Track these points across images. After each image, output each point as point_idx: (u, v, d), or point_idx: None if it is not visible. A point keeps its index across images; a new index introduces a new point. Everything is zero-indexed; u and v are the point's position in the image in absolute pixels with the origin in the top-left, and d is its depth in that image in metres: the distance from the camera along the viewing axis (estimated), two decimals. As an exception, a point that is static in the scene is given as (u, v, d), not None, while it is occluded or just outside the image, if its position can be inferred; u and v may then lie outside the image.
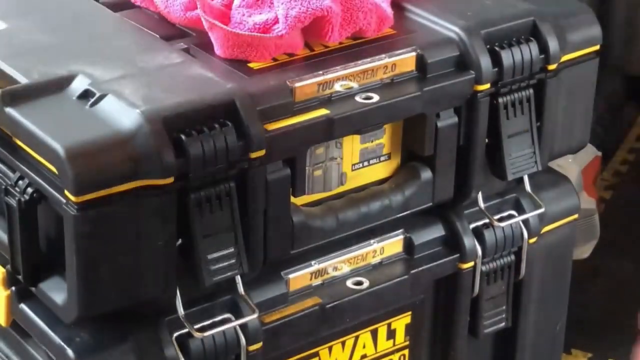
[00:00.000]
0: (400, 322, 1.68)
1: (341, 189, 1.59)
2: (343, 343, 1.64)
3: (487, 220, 1.71)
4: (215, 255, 1.42)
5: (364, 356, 1.66)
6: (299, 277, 1.58)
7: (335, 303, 1.58)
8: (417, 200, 1.63)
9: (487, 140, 1.66)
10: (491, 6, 1.68)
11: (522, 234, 1.72)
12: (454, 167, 1.65)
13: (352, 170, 1.60)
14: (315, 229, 1.55)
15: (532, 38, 1.65)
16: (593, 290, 2.89)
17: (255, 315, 1.50)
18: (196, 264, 1.41)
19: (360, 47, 1.59)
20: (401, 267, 1.65)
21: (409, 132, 1.63)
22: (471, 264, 1.69)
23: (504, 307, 1.75)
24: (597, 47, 1.74)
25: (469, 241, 1.68)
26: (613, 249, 2.95)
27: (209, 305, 1.49)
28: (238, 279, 1.47)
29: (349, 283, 1.61)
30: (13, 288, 1.49)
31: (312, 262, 1.58)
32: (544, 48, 1.65)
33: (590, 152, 2.85)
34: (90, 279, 1.38)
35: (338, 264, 1.61)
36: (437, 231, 1.68)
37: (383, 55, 1.56)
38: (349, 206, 1.58)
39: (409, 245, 1.66)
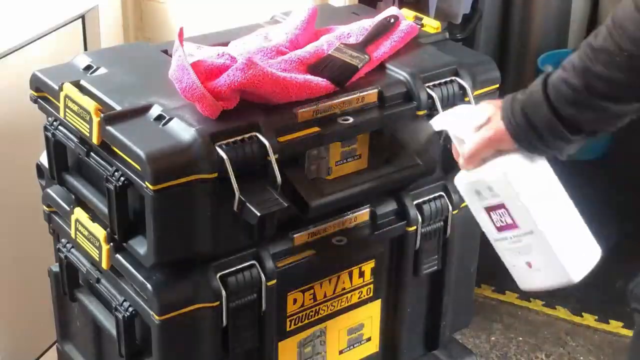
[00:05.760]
0: (368, 266, 1.68)
1: (328, 177, 1.59)
2: (329, 280, 1.63)
3: (425, 198, 1.70)
4: (261, 199, 1.41)
5: (344, 289, 1.66)
6: (301, 236, 1.57)
7: (324, 254, 1.58)
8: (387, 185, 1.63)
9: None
10: (428, 58, 1.67)
11: (448, 207, 1.72)
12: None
13: (336, 165, 1.60)
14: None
15: (454, 79, 1.65)
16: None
17: (271, 262, 1.51)
18: (249, 208, 1.39)
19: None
20: (368, 229, 1.65)
21: (373, 141, 1.62)
22: (414, 227, 1.68)
23: (436, 256, 1.74)
24: (497, 85, 1.74)
25: (413, 212, 1.67)
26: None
27: (241, 255, 1.49)
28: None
29: (334, 240, 1.60)
30: (111, 244, 1.49)
31: (310, 226, 1.58)
32: (462, 85, 1.65)
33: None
34: (162, 237, 1.40)
35: (327, 227, 1.60)
36: (392, 206, 1.67)
37: (356, 91, 1.56)
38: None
39: (373, 215, 1.65)
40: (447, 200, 1.72)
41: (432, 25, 1.80)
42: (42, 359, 2.23)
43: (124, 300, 1.51)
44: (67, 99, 1.49)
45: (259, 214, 1.37)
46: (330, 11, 1.93)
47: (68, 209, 1.59)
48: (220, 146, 1.38)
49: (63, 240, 1.66)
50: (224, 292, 1.45)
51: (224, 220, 1.42)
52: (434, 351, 1.86)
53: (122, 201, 1.43)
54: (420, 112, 1.60)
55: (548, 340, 2.60)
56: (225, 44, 1.67)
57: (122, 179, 1.41)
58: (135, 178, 1.38)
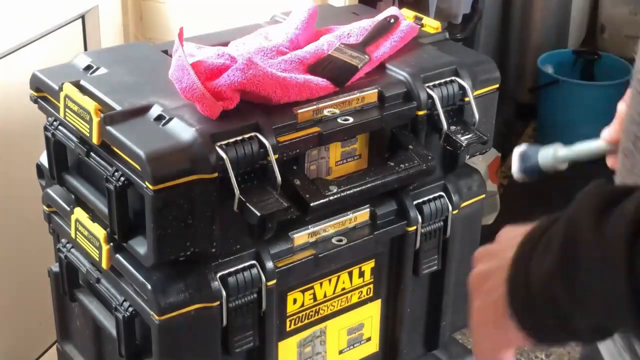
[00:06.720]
0: (367, 266, 1.68)
1: (328, 177, 1.59)
2: (329, 280, 1.63)
3: (425, 198, 1.70)
4: (261, 199, 1.40)
5: (344, 289, 1.66)
6: (300, 236, 1.57)
7: (324, 254, 1.58)
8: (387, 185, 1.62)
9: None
10: (427, 58, 1.67)
11: (448, 207, 1.72)
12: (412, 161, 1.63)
13: (336, 165, 1.60)
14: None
15: (454, 79, 1.65)
16: (495, 244, 2.89)
17: (271, 262, 1.51)
18: (249, 208, 1.39)
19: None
20: (368, 229, 1.64)
21: (373, 140, 1.62)
22: (414, 227, 1.68)
23: (436, 256, 1.74)
24: (497, 85, 1.74)
25: (413, 213, 1.67)
26: (508, 218, 2.95)
27: (241, 255, 1.49)
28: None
29: (334, 240, 1.60)
30: (111, 244, 1.49)
31: (309, 226, 1.58)
32: (462, 86, 1.65)
33: (493, 153, 2.87)
34: (162, 237, 1.39)
35: (327, 228, 1.60)
36: (392, 206, 1.67)
37: (356, 91, 1.56)
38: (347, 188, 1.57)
39: (373, 215, 1.65)
40: (447, 200, 1.72)
41: (432, 25, 1.80)
42: (42, 359, 2.23)
43: (124, 300, 1.51)
44: (67, 99, 1.49)
45: (259, 214, 1.37)
46: (330, 11, 1.93)
47: (68, 209, 1.59)
48: (220, 146, 1.38)
49: (63, 240, 1.66)
50: (223, 292, 1.45)
51: (224, 220, 1.42)
52: (434, 351, 1.87)
53: (122, 201, 1.43)
54: (420, 112, 1.60)
55: (548, 340, 2.59)
56: (225, 44, 1.67)
57: (122, 179, 1.41)
58: (135, 178, 1.38)
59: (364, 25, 1.69)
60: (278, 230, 1.48)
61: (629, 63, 3.45)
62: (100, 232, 1.49)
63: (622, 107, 1.11)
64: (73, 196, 1.60)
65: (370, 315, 1.73)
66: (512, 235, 0.83)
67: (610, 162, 1.08)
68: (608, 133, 1.10)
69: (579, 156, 1.22)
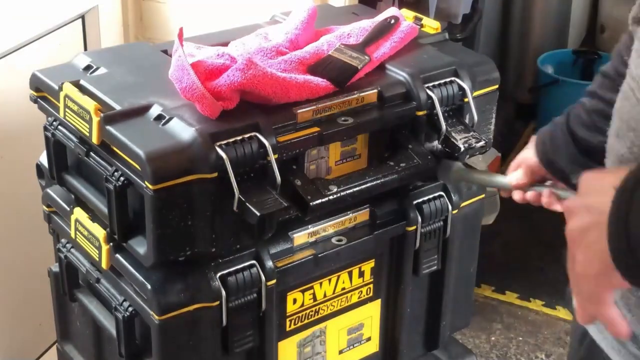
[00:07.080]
0: (367, 266, 1.68)
1: (328, 177, 1.59)
2: (329, 280, 1.63)
3: (425, 198, 1.70)
4: (261, 199, 1.40)
5: (344, 289, 1.66)
6: (300, 236, 1.57)
7: (324, 253, 1.58)
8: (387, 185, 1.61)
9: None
10: (427, 59, 1.67)
11: (448, 207, 1.71)
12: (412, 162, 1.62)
13: (335, 165, 1.60)
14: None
15: (454, 79, 1.64)
16: (495, 245, 2.89)
17: (271, 262, 1.51)
18: (249, 208, 1.39)
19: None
20: (368, 229, 1.64)
21: (373, 140, 1.62)
22: (414, 227, 1.67)
23: (435, 256, 1.74)
24: (497, 86, 1.74)
25: (413, 213, 1.67)
26: (508, 218, 2.96)
27: (241, 255, 1.49)
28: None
29: (334, 240, 1.60)
30: (111, 244, 1.49)
31: (309, 226, 1.58)
32: (461, 86, 1.65)
33: (493, 153, 2.86)
34: (162, 237, 1.39)
35: (326, 227, 1.60)
36: (392, 206, 1.67)
37: (355, 92, 1.56)
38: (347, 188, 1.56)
39: (373, 215, 1.65)
40: (447, 200, 1.71)
41: (431, 25, 1.80)
42: (42, 359, 2.23)
43: (124, 300, 1.50)
44: (67, 99, 1.49)
45: (258, 214, 1.37)
46: (330, 11, 1.93)
47: (68, 209, 1.59)
48: (220, 146, 1.38)
49: (63, 240, 1.66)
50: (223, 292, 1.45)
51: (223, 220, 1.42)
52: (433, 351, 1.87)
53: (122, 201, 1.43)
54: (420, 113, 1.60)
55: (548, 340, 2.60)
56: (225, 44, 1.67)
57: (121, 178, 1.41)
58: (135, 178, 1.38)
59: (364, 25, 1.69)
60: (278, 230, 1.48)
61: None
62: (100, 232, 1.49)
63: (527, 154, 1.29)
64: (73, 196, 1.60)
65: (370, 315, 1.73)
66: (600, 186, 0.90)
67: (515, 197, 1.35)
68: (515, 179, 1.35)
69: (479, 184, 1.44)
